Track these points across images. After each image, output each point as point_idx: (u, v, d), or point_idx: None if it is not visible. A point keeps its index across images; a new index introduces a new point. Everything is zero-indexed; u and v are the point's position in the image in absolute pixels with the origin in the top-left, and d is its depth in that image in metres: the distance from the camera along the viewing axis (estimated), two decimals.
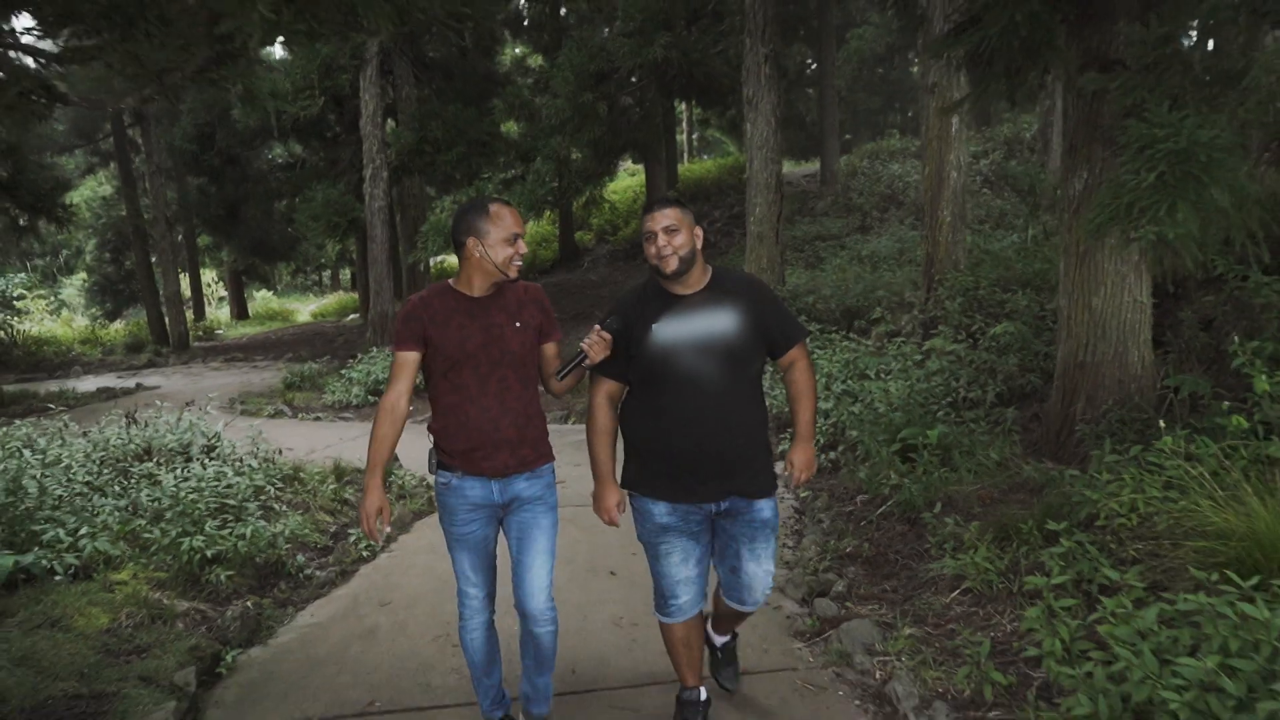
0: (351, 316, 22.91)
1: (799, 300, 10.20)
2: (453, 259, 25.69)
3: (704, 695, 3.35)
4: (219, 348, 21.22)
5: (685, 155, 32.72)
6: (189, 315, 23.95)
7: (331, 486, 6.51)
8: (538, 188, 11.50)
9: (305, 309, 31.28)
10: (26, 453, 5.23)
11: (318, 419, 10.91)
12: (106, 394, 13.93)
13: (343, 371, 11.90)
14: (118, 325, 25.12)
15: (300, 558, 5.14)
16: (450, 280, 3.09)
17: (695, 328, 2.94)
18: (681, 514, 3.07)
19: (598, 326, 2.95)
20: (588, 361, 2.94)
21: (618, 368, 3.04)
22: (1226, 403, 4.48)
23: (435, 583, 4.90)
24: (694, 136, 35.49)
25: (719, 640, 3.60)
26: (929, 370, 7.24)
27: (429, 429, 3.10)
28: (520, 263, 3.00)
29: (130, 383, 15.41)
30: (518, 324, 3.02)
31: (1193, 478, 3.85)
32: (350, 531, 5.74)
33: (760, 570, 3.16)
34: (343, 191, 12.82)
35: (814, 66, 26.29)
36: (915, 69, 27.95)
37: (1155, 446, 4.16)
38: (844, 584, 4.56)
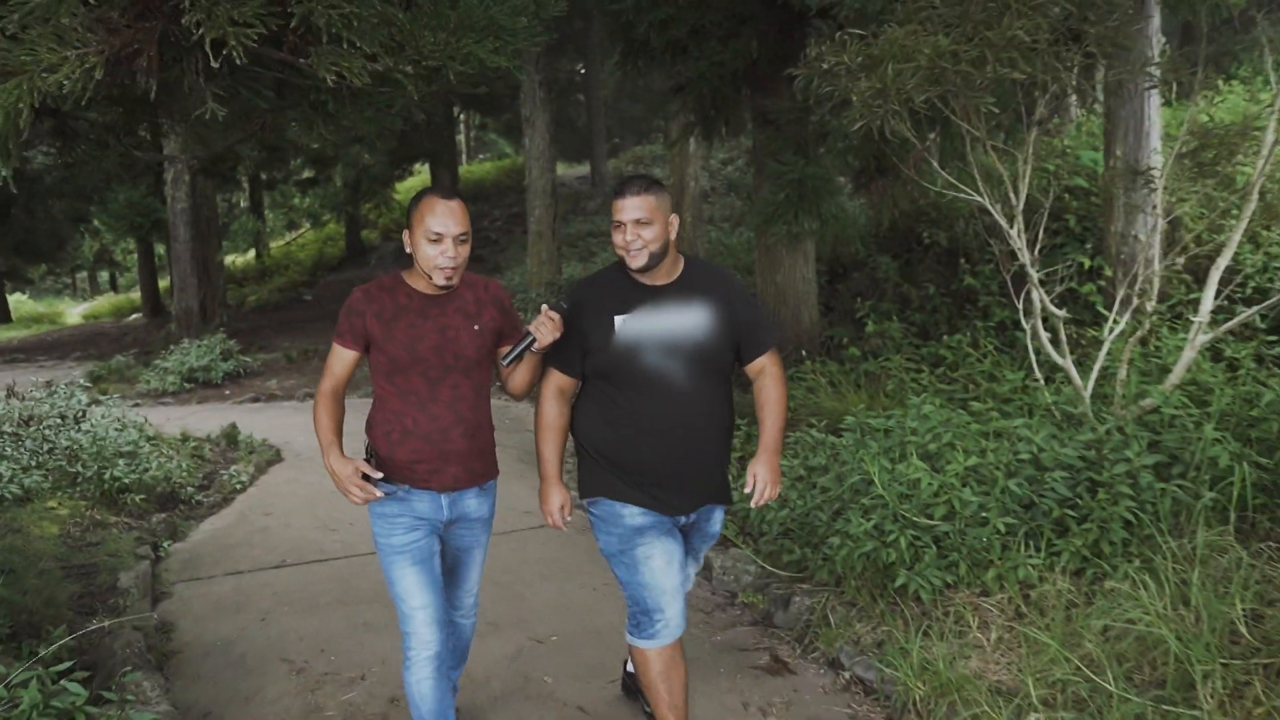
0: (134, 316, 22.82)
1: (573, 287, 12.18)
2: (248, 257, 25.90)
3: None
4: None
5: (464, 156, 34.13)
6: None
7: (192, 444, 7.82)
8: (338, 192, 12.84)
9: (74, 311, 30.17)
10: None
11: (137, 405, 11.77)
12: None
13: (155, 363, 12.73)
14: None
15: (189, 489, 6.53)
16: (404, 272, 2.76)
17: (663, 324, 2.71)
18: (654, 515, 2.80)
19: (545, 307, 2.64)
20: (536, 345, 2.63)
21: (570, 360, 2.78)
22: (847, 338, 6.85)
23: (302, 500, 6.44)
24: (471, 137, 36.90)
25: None
26: None
27: (367, 432, 2.81)
28: (449, 267, 2.60)
29: None
30: (476, 327, 2.72)
31: (820, 385, 6.11)
32: (221, 473, 7.13)
33: (692, 572, 3.15)
34: (144, 193, 13.53)
35: (584, 72, 28.46)
36: None
37: (801, 369, 6.43)
38: None
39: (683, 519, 2.89)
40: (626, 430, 2.76)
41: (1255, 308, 4.04)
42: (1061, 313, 4.33)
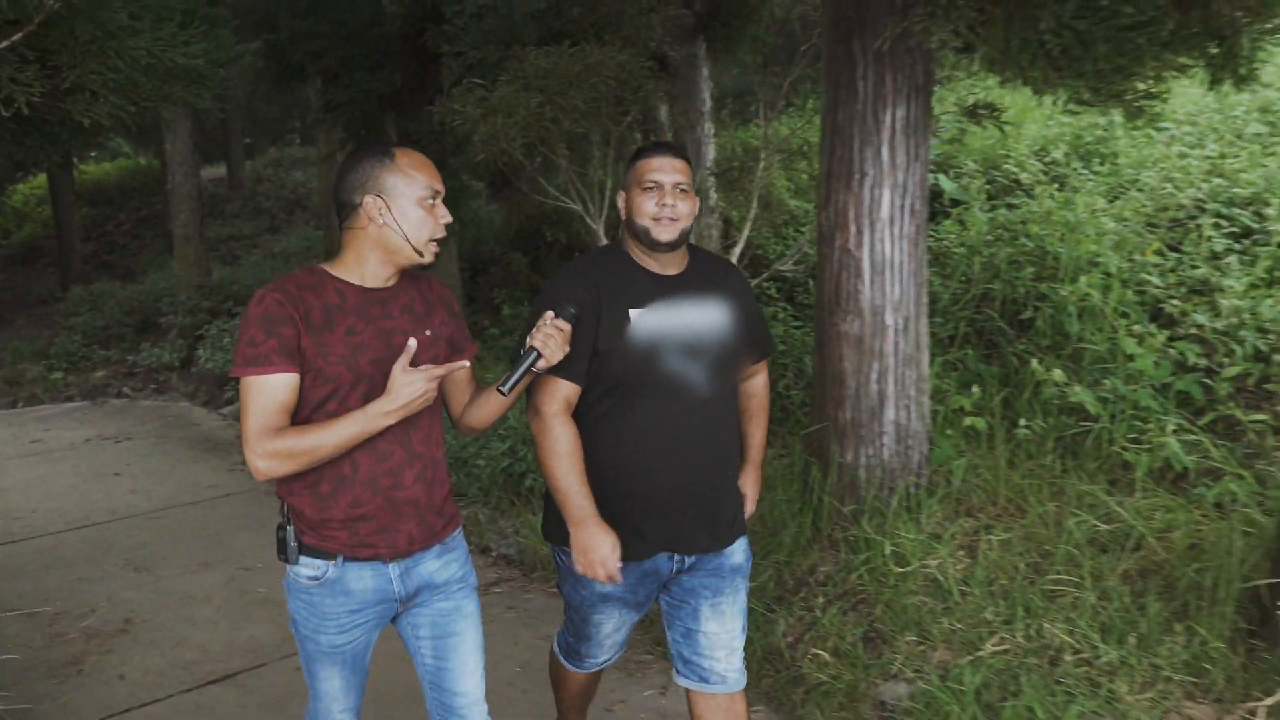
0: None
1: (225, 289, 12.48)
2: None
3: None
4: None
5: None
6: None
7: None
8: None
9: None
10: None
11: None
12: None
13: None
14: None
15: None
16: (325, 265, 2.13)
17: (684, 320, 2.29)
18: (632, 583, 2.35)
19: (551, 314, 2.11)
20: (542, 363, 2.08)
21: (580, 365, 2.25)
22: (488, 322, 8.24)
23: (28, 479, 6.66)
24: None
25: None
26: None
27: (281, 491, 2.14)
28: (443, 235, 2.11)
29: None
30: (428, 332, 2.15)
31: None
32: None
33: (724, 631, 2.43)
34: None
35: None
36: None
37: None
38: None
39: (677, 563, 2.38)
40: (638, 450, 2.28)
41: (758, 279, 5.91)
42: None
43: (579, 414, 2.31)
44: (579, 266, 2.37)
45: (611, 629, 2.48)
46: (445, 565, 2.22)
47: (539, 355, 2.07)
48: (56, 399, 10.53)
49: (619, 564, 2.23)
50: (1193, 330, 4.26)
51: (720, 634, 2.42)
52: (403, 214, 2.04)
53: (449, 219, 2.12)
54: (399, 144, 2.11)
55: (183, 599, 4.63)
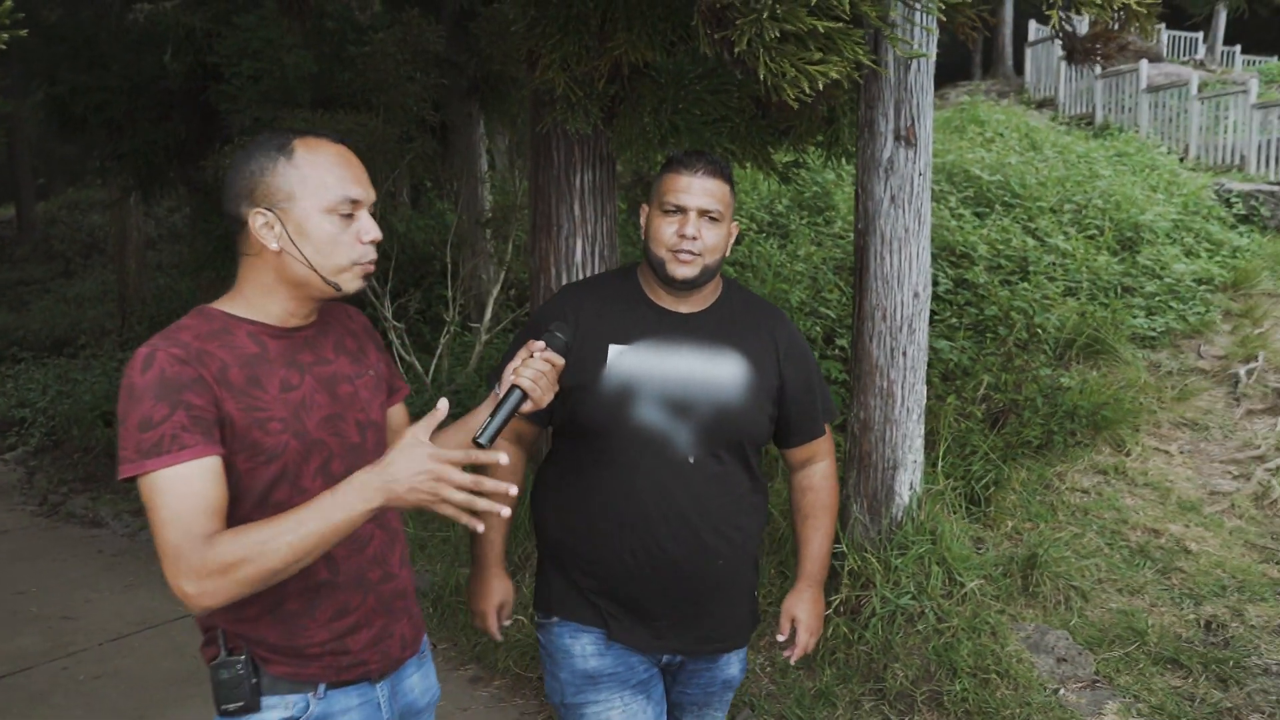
0: None
1: (10, 335, 12.24)
2: None
3: None
4: None
5: None
6: None
7: None
8: None
9: None
10: None
11: None
12: None
13: None
14: None
15: None
16: (220, 304, 1.58)
17: (675, 366, 1.92)
18: (619, 654, 1.97)
19: (540, 345, 1.67)
20: (529, 406, 1.65)
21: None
22: None
23: None
24: None
25: None
26: None
27: (218, 621, 1.55)
28: (373, 259, 1.58)
29: None
30: (371, 372, 1.71)
31: None
32: None
33: None
34: None
35: None
36: None
37: None
38: (85, 502, 7.58)
39: (666, 658, 2.02)
40: (596, 513, 1.94)
41: (504, 323, 6.67)
42: (400, 325, 6.64)
43: (548, 458, 2.07)
44: (577, 285, 2.09)
45: None
46: (424, 678, 1.79)
47: (524, 396, 1.63)
48: None
49: (506, 622, 2.05)
50: (839, 350, 5.30)
51: None
52: (301, 232, 1.51)
53: (376, 235, 1.56)
54: (305, 131, 1.56)
55: None
